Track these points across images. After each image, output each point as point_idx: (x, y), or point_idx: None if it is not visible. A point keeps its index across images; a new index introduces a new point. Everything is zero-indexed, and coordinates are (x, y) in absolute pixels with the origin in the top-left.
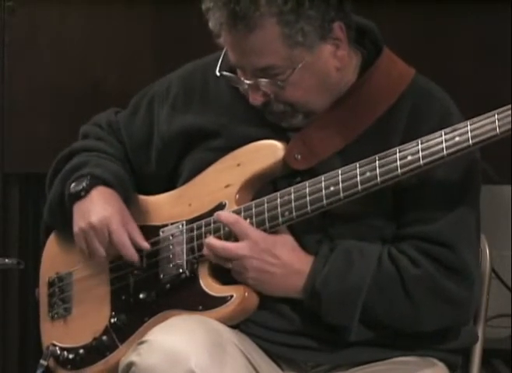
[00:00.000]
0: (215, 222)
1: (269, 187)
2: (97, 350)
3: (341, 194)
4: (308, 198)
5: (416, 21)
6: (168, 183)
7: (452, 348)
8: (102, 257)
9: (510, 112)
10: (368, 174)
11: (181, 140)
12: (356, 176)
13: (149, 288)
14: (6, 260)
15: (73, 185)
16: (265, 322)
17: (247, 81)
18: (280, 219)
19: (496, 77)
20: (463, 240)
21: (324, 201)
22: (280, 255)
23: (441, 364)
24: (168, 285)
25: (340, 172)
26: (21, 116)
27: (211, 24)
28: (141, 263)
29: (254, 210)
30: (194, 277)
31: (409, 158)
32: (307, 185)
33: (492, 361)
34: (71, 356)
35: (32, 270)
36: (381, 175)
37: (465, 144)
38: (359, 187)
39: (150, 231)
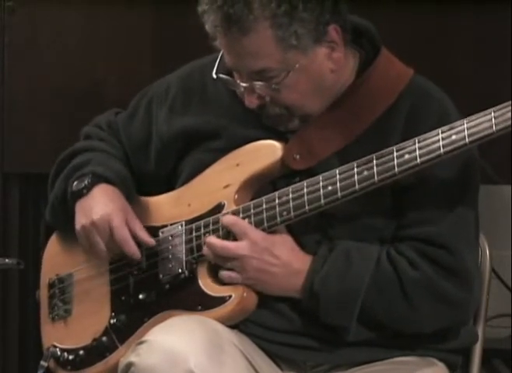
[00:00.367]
0: (214, 223)
1: (268, 187)
2: (97, 350)
3: (339, 194)
4: (306, 198)
5: (416, 21)
6: (167, 183)
7: (452, 348)
8: (103, 253)
9: (506, 110)
10: (365, 173)
11: (180, 141)
12: (354, 176)
13: (148, 289)
14: (6, 260)
15: (75, 183)
16: (264, 321)
17: (243, 84)
18: (278, 219)
19: (496, 77)
20: (462, 241)
21: (322, 201)
22: (279, 255)
23: (441, 364)
24: (167, 285)
25: (338, 171)
26: (21, 116)
27: (207, 27)
28: (141, 263)
29: (252, 210)
30: (193, 278)
31: (406, 156)
32: (305, 185)
33: (492, 361)
34: (71, 357)
35: (32, 270)
36: (378, 174)
37: (462, 143)
38: (357, 186)
39: (150, 232)
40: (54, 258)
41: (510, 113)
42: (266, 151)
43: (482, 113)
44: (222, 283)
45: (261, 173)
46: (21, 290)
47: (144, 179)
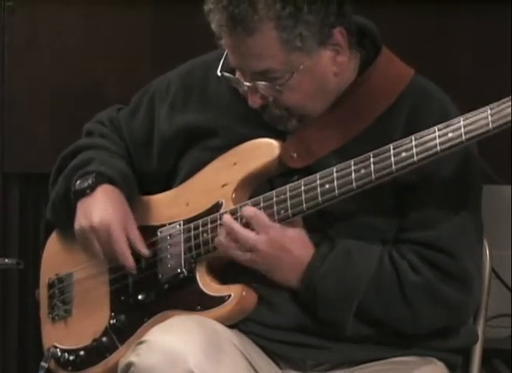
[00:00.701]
0: (212, 222)
1: (266, 186)
2: (97, 351)
3: (336, 192)
4: (303, 196)
5: (416, 21)
6: (167, 181)
7: (452, 347)
8: (100, 256)
9: (502, 107)
10: (363, 171)
11: (180, 138)
12: (351, 174)
13: (147, 289)
14: (6, 260)
15: (78, 182)
16: (264, 319)
17: (246, 84)
18: (276, 217)
19: (496, 77)
20: (463, 244)
21: (320, 199)
22: (292, 249)
23: (441, 364)
24: (166, 285)
25: (335, 169)
26: (21, 116)
27: (212, 26)
28: (140, 263)
29: None
30: (192, 277)
31: (403, 154)
32: (302, 183)
33: (492, 361)
34: (71, 358)
35: (32, 270)
36: (376, 172)
37: (458, 140)
38: (354, 184)
39: (148, 232)
40: (54, 257)
41: (506, 110)
42: (264, 150)
43: (478, 111)
44: (221, 282)
45: (258, 172)
46: (21, 290)
47: (145, 176)
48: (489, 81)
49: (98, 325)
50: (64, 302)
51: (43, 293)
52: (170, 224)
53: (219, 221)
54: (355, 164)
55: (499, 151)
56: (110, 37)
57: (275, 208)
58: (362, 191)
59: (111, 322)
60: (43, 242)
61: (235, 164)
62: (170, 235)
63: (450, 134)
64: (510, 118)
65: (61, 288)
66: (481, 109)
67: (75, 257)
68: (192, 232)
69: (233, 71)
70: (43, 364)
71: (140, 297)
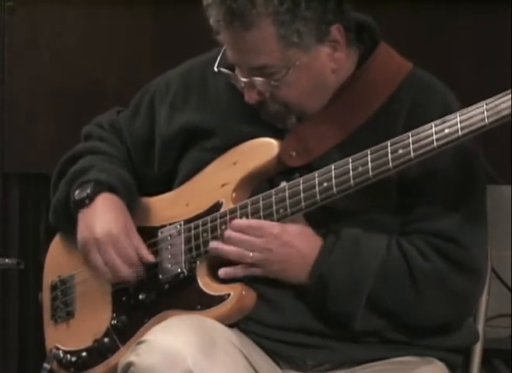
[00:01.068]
0: (212, 221)
1: (267, 185)
2: (99, 352)
3: (335, 190)
4: (302, 195)
5: (415, 20)
6: (167, 182)
7: (453, 346)
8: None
9: (498, 101)
10: (360, 169)
11: (180, 139)
12: (349, 171)
13: (148, 289)
14: (6, 260)
15: (77, 192)
16: (263, 319)
17: (243, 80)
18: (275, 216)
19: (495, 77)
20: (471, 235)
21: (318, 197)
22: (296, 244)
23: (441, 364)
24: (167, 285)
25: (333, 167)
26: (21, 116)
27: (211, 21)
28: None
29: (249, 207)
30: (192, 277)
31: (400, 151)
32: (301, 182)
33: (492, 361)
34: (73, 359)
35: (32, 270)
36: (373, 169)
37: (455, 136)
38: (352, 182)
39: (149, 233)
40: (57, 260)
41: (502, 105)
42: (262, 149)
43: (474, 106)
44: (221, 282)
45: (258, 171)
46: (21, 290)
47: (145, 178)
48: (489, 81)
49: (100, 326)
50: (67, 304)
51: (45, 295)
52: (170, 224)
53: (219, 221)
54: (352, 161)
55: (499, 151)
56: (110, 37)
57: (274, 207)
58: (367, 187)
59: (113, 322)
60: (44, 242)
61: (234, 164)
62: (171, 236)
63: (446, 130)
64: (505, 113)
65: (63, 290)
66: (477, 104)
67: (77, 259)
68: (192, 232)
69: (231, 68)
70: (45, 365)
71: (141, 297)
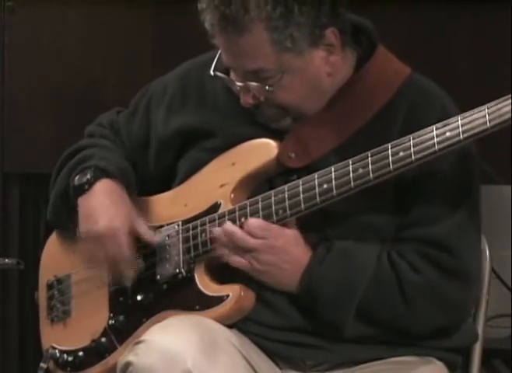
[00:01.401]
0: (210, 222)
1: (266, 185)
2: (96, 352)
3: (335, 192)
4: (302, 196)
5: (415, 21)
6: (165, 182)
7: (452, 346)
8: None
9: (500, 105)
10: (360, 171)
11: (178, 140)
12: (349, 173)
13: (146, 289)
14: (6, 260)
15: (77, 177)
16: (262, 319)
17: (238, 84)
18: (274, 217)
19: (495, 77)
20: (464, 242)
21: (318, 199)
22: (291, 251)
23: (441, 364)
24: (165, 286)
25: (333, 169)
26: (21, 116)
27: (206, 25)
28: (138, 264)
29: (248, 208)
30: (190, 277)
31: (401, 154)
32: (301, 183)
33: (492, 361)
34: (70, 358)
35: (32, 270)
36: (374, 171)
37: (456, 139)
38: (352, 184)
39: None
40: (53, 259)
41: (504, 109)
42: (261, 150)
43: (476, 110)
44: (219, 282)
45: (256, 172)
46: (21, 290)
47: (144, 178)
48: (489, 81)
49: (97, 326)
50: (63, 303)
51: (42, 294)
52: (168, 224)
53: (217, 221)
54: (353, 163)
55: (499, 151)
56: (110, 37)
57: (273, 208)
58: (362, 190)
59: (110, 322)
60: (44, 242)
61: (233, 164)
62: (169, 236)
63: (447, 133)
64: (507, 117)
65: (59, 289)
66: (479, 108)
67: (74, 258)
68: (191, 232)
69: (227, 71)
70: (42, 364)
71: (139, 297)
